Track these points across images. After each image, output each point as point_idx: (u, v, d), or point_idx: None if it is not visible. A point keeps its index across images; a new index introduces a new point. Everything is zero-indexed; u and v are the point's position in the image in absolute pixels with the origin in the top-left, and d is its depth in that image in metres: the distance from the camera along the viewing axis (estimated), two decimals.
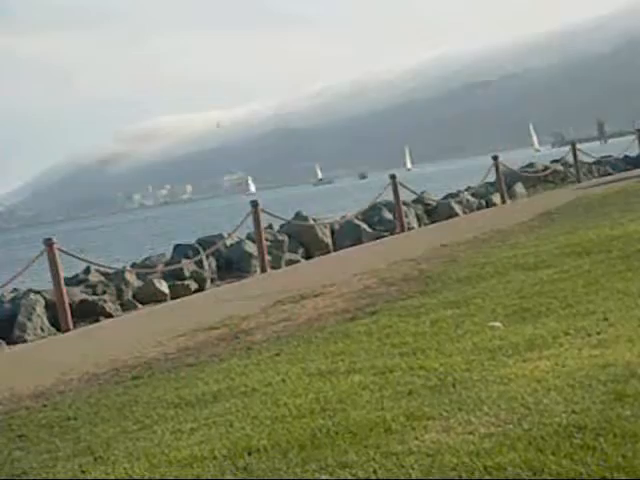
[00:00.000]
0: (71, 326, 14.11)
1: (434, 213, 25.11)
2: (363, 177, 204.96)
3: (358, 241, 21.20)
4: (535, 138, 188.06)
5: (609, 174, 31.30)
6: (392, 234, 22.00)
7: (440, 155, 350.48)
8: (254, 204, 18.65)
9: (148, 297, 16.18)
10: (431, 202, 25.89)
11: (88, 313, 15.05)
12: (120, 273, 16.87)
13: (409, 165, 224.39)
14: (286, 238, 20.24)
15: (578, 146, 32.05)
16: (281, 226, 21.49)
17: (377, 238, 21.66)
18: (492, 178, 27.51)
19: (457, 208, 25.35)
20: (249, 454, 4.98)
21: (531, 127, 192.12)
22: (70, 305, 14.43)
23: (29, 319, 14.29)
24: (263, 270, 17.97)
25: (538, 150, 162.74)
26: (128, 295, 16.22)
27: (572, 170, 31.06)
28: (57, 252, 14.43)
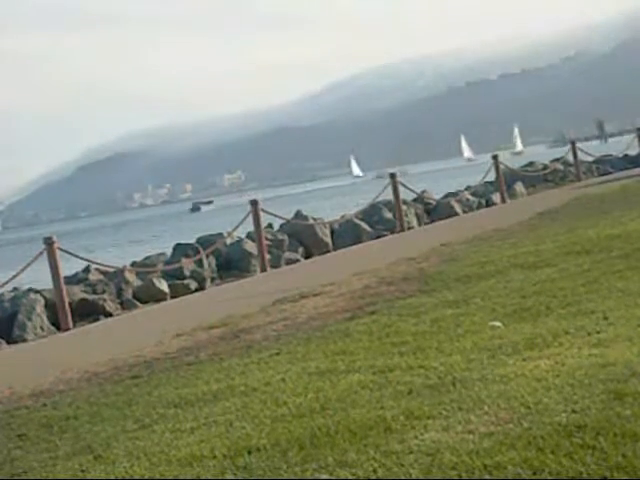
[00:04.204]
0: (71, 325, 14.12)
1: (434, 212, 25.13)
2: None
3: (358, 240, 21.20)
4: None
5: (609, 173, 31.30)
6: (392, 233, 22.01)
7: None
8: (254, 203, 18.66)
9: (148, 296, 16.18)
10: (431, 201, 25.92)
11: (88, 312, 15.06)
12: (120, 272, 16.88)
13: (468, 154, 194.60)
14: (286, 237, 20.24)
15: (578, 145, 32.05)
16: (281, 225, 21.50)
17: (377, 237, 21.67)
18: (492, 177, 27.52)
19: (457, 207, 25.36)
20: (249, 453, 4.98)
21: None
22: (70, 304, 14.44)
23: (29, 318, 14.29)
24: (263, 269, 17.97)
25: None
26: (128, 294, 16.23)
27: (572, 169, 31.08)
28: (57, 251, 14.43)
